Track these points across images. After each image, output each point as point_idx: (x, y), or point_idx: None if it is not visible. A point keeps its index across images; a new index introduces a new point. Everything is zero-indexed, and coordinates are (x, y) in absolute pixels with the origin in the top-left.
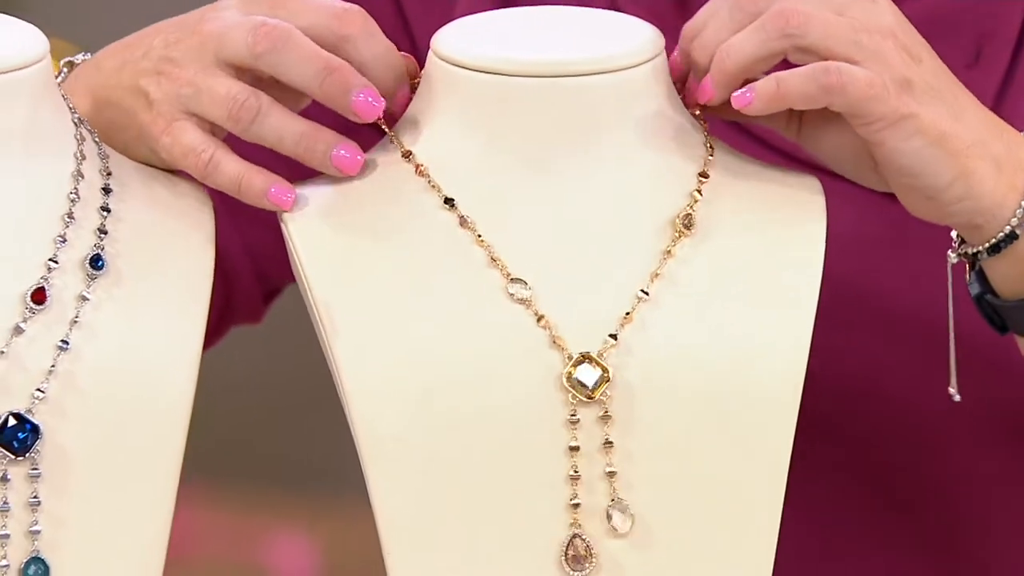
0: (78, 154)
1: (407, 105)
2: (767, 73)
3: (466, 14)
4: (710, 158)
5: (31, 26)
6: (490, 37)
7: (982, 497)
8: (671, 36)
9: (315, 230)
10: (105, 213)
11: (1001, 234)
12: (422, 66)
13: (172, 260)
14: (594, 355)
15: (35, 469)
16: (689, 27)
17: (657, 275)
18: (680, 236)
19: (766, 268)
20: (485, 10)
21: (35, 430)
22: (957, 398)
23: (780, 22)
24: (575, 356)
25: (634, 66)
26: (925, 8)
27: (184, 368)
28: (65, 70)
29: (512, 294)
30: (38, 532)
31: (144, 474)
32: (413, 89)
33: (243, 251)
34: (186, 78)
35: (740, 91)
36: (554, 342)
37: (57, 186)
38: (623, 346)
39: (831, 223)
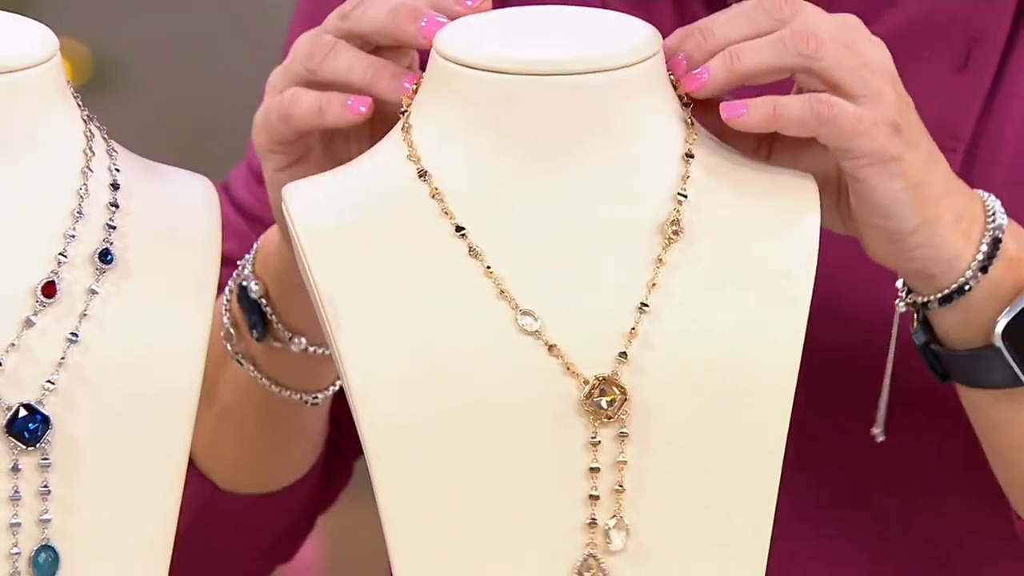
0: (87, 151)
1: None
2: (758, 89)
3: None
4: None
5: (41, 25)
6: (492, 36)
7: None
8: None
9: (320, 224)
10: (113, 208)
11: (954, 285)
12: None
13: (179, 254)
14: (610, 376)
15: (45, 459)
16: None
17: (654, 285)
18: (670, 242)
19: (759, 267)
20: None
21: (45, 421)
22: (880, 439)
23: (800, 41)
24: (591, 380)
25: (631, 65)
26: (914, 12)
27: (191, 359)
28: None
29: (523, 327)
30: (48, 520)
31: (152, 464)
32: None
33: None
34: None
35: (734, 102)
36: (568, 369)
37: (66, 182)
38: (632, 363)
39: None
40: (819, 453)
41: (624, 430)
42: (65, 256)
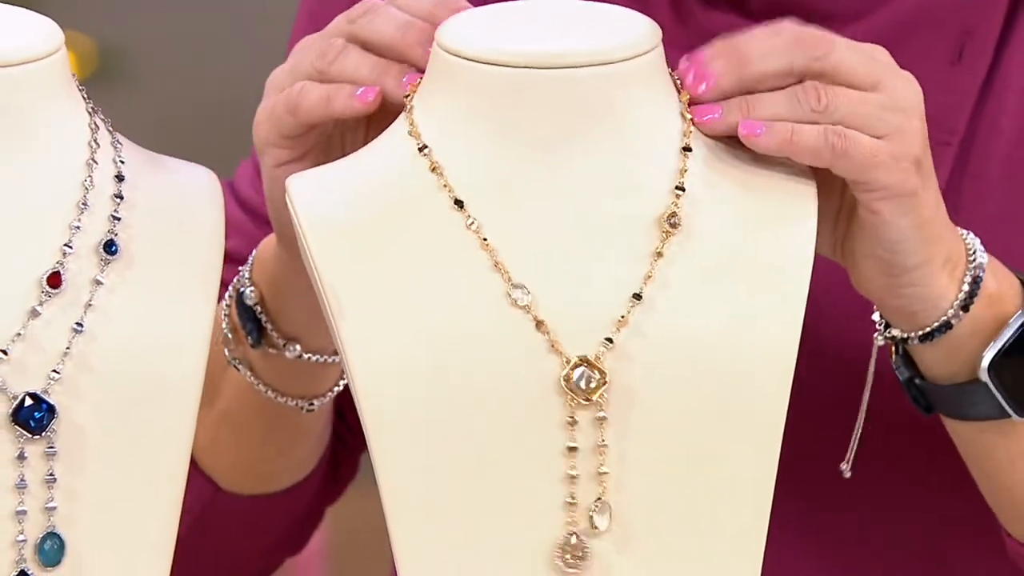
0: (92, 143)
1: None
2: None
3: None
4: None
5: (46, 19)
6: (494, 29)
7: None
8: (669, 45)
9: (323, 213)
10: (118, 200)
11: (937, 323)
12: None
13: (183, 245)
14: (591, 359)
15: (51, 447)
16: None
17: (650, 277)
18: (668, 235)
19: (755, 262)
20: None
21: (51, 410)
22: (848, 475)
23: (812, 98)
24: (573, 360)
25: (631, 58)
26: (908, 6)
27: (195, 349)
28: None
29: (515, 300)
30: (54, 508)
31: (156, 452)
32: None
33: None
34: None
35: (753, 121)
36: (552, 347)
37: (72, 174)
38: (619, 350)
39: None
40: (800, 479)
41: (602, 413)
42: (70, 247)
